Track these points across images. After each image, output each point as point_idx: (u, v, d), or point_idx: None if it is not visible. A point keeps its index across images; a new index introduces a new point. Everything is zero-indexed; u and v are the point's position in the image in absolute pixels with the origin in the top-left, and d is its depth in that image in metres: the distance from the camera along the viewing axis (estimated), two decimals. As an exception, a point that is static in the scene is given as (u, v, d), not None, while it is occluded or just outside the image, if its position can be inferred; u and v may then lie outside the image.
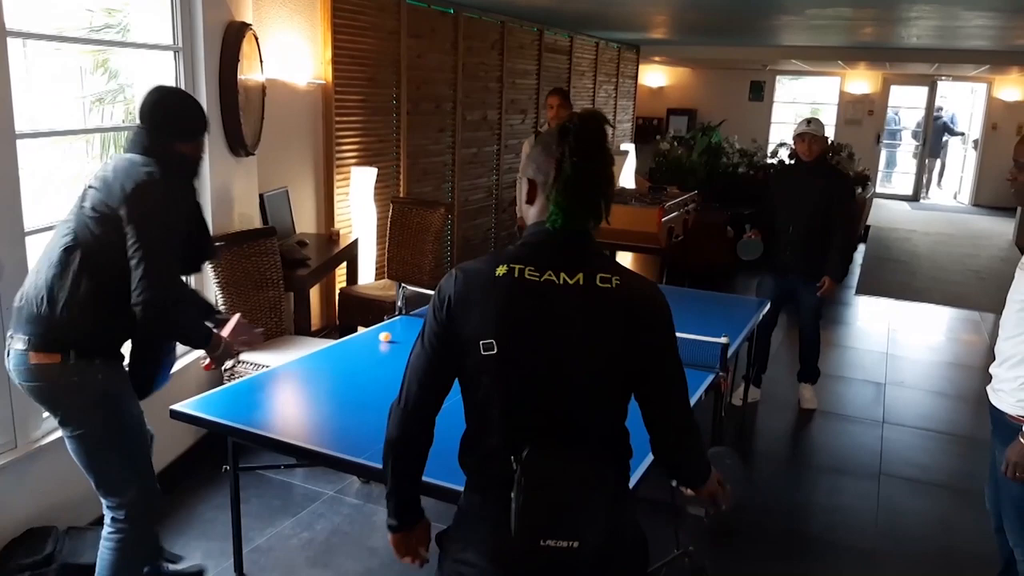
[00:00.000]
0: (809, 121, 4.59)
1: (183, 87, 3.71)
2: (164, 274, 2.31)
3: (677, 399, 1.64)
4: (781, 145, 11.21)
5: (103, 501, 2.47)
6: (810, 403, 4.96)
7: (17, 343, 2.31)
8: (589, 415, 1.55)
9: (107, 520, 2.49)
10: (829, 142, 4.50)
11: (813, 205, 4.51)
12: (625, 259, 8.77)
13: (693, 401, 2.84)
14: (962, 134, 15.14)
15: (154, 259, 2.26)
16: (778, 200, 4.72)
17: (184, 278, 2.67)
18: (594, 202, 1.54)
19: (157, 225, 2.30)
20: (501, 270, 1.53)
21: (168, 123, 2.45)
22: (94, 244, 2.30)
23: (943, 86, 14.45)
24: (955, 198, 15.01)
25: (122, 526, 2.46)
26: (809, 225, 4.53)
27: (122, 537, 2.46)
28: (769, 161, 10.57)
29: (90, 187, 2.37)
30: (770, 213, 4.75)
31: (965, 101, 15.25)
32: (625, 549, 1.64)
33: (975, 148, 14.39)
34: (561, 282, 1.51)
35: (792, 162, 4.82)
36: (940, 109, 14.89)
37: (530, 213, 1.61)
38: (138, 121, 2.47)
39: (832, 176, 4.74)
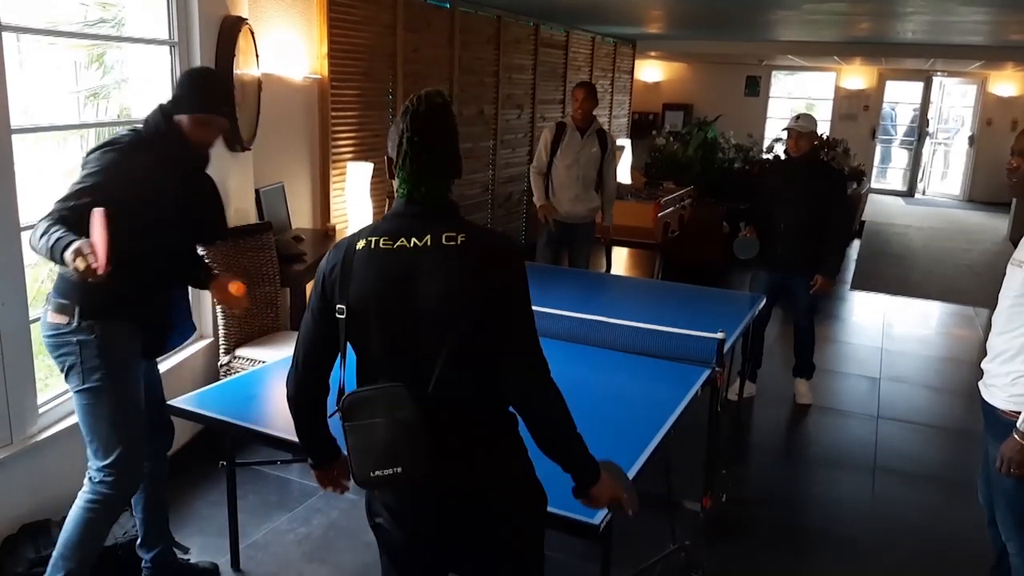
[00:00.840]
0: (798, 116, 4.61)
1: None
2: (56, 204, 2.31)
3: (522, 350, 1.68)
4: (777, 140, 11.23)
5: (90, 462, 2.55)
6: (805, 398, 4.97)
7: (48, 303, 2.51)
8: (423, 360, 1.66)
9: (86, 480, 2.56)
10: (820, 137, 4.50)
11: (804, 200, 4.52)
12: (621, 254, 8.78)
13: (688, 396, 2.85)
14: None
15: (62, 196, 2.32)
16: (770, 195, 4.73)
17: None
18: (434, 174, 1.68)
19: (83, 175, 2.37)
20: (360, 244, 1.70)
21: (177, 92, 2.54)
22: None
23: (943, 83, 14.47)
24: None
25: (99, 488, 2.52)
26: (801, 220, 4.54)
27: (96, 499, 2.52)
28: (765, 156, 10.58)
29: None
30: (763, 208, 4.76)
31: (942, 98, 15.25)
32: (482, 485, 1.73)
33: (970, 143, 14.42)
34: (411, 245, 1.66)
35: (784, 157, 4.80)
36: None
37: (394, 186, 1.75)
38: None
39: (823, 172, 4.75)
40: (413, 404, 1.62)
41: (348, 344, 1.72)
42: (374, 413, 1.65)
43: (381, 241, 1.68)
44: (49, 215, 2.28)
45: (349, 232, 5.19)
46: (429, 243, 1.65)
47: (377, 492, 1.78)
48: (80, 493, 2.56)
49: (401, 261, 1.66)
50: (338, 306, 1.69)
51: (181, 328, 2.78)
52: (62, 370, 2.53)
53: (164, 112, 2.52)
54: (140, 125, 2.54)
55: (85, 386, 2.48)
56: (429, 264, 1.64)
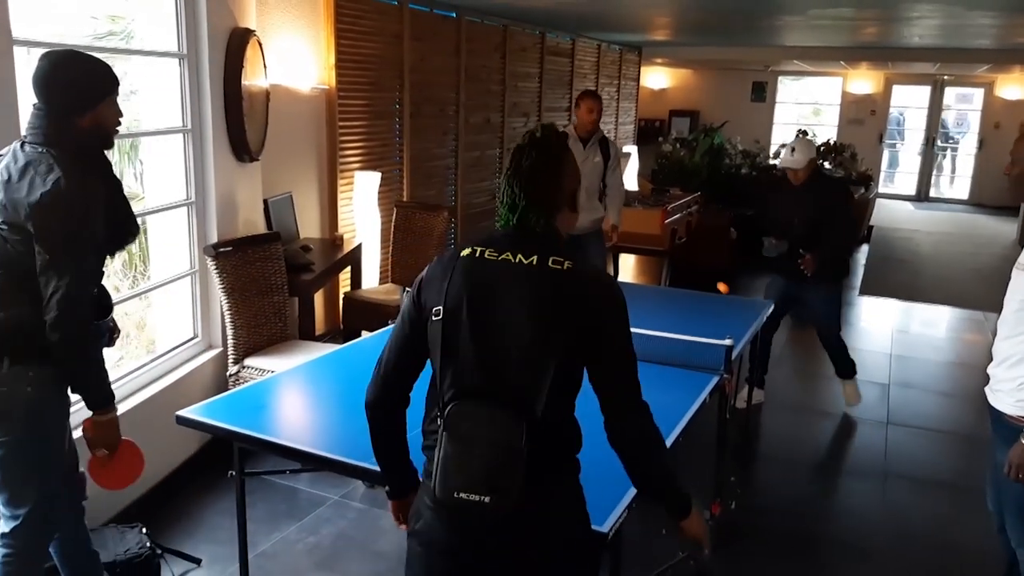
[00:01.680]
0: (792, 149, 4.60)
1: (187, 94, 3.72)
2: (79, 297, 2.16)
3: (624, 385, 1.68)
4: (783, 146, 11.22)
5: (3, 511, 2.36)
6: (852, 398, 4.96)
7: None
8: (524, 381, 1.63)
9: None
10: (827, 145, 4.54)
11: (811, 218, 4.55)
12: (628, 260, 8.78)
13: (697, 403, 2.84)
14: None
15: (70, 281, 2.13)
16: (776, 213, 4.77)
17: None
18: (528, 206, 1.70)
19: (70, 243, 2.15)
20: (466, 251, 1.72)
21: (59, 95, 2.19)
22: (13, 254, 2.19)
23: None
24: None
25: (10, 541, 2.35)
26: (810, 237, 4.56)
27: (9, 553, 2.35)
28: (772, 162, 10.57)
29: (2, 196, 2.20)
30: (768, 222, 4.80)
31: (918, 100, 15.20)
32: (552, 518, 1.70)
33: (978, 147, 14.37)
34: (516, 261, 1.67)
35: (784, 178, 4.80)
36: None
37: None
38: (34, 100, 2.22)
39: (825, 187, 4.74)
40: (521, 430, 1.59)
41: (445, 351, 1.69)
42: (479, 431, 1.62)
43: (487, 252, 1.70)
44: (77, 298, 2.14)
45: (357, 241, 5.24)
46: (535, 263, 1.66)
47: (430, 519, 1.72)
48: None
49: (503, 271, 1.67)
50: (435, 308, 1.69)
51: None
52: None
53: (65, 117, 2.20)
54: (40, 145, 2.18)
55: (6, 438, 2.26)
56: (533, 281, 1.66)
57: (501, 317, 1.65)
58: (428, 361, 1.74)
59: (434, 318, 1.69)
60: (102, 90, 2.25)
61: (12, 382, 2.24)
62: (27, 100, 2.36)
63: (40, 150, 2.17)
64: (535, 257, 1.67)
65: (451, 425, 1.63)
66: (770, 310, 4.42)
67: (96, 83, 2.25)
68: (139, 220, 2.54)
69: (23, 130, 2.26)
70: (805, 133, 11.21)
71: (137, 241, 2.49)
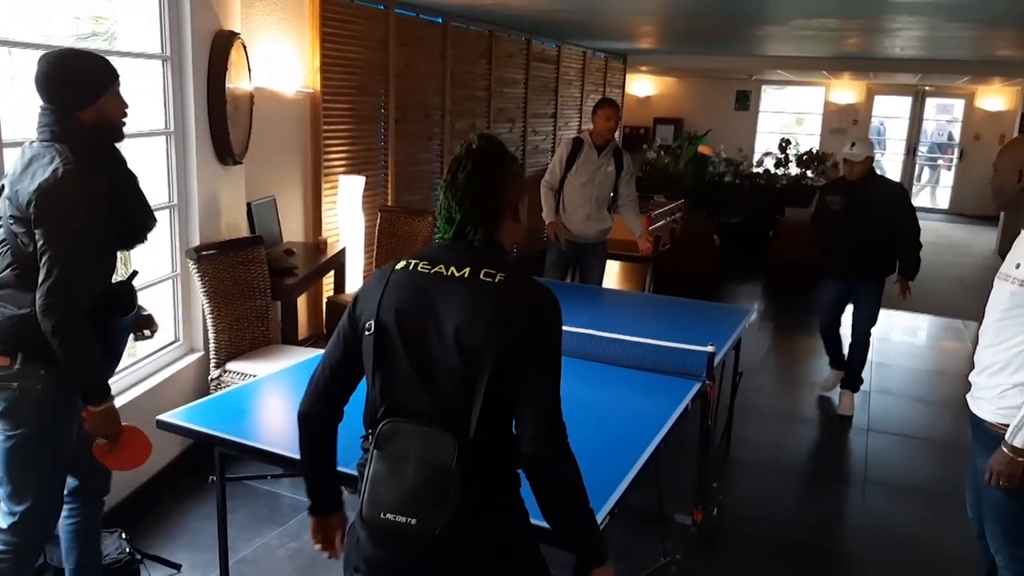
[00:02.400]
0: (853, 144, 4.81)
1: (171, 96, 3.70)
2: (72, 287, 2.17)
3: (541, 409, 1.61)
4: (767, 154, 11.30)
5: (4, 505, 2.40)
6: (847, 410, 5.05)
7: None
8: (458, 399, 1.60)
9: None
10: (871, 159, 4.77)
11: (869, 215, 4.71)
12: (612, 267, 8.80)
13: (679, 410, 2.85)
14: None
15: (63, 269, 2.15)
16: (835, 214, 4.89)
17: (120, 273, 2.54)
18: (464, 219, 1.67)
19: (66, 231, 2.17)
20: (400, 265, 1.70)
21: (60, 93, 2.24)
22: (23, 250, 2.22)
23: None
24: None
25: (8, 537, 2.38)
26: (866, 233, 4.72)
27: (7, 548, 2.38)
28: (755, 170, 10.65)
29: (2, 187, 2.27)
30: (832, 229, 4.94)
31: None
32: (487, 539, 1.65)
33: (959, 157, 14.53)
34: (448, 273, 1.65)
35: (843, 177, 4.94)
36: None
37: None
38: (39, 101, 2.27)
39: (884, 186, 4.93)
40: (453, 452, 1.55)
41: (377, 366, 1.66)
42: (408, 451, 1.58)
43: (420, 265, 1.68)
44: (78, 301, 2.17)
45: (340, 245, 5.22)
46: (467, 275, 1.63)
47: (364, 539, 1.68)
48: None
49: (436, 285, 1.64)
50: (367, 323, 1.66)
51: (114, 360, 2.56)
52: None
53: (68, 113, 2.24)
54: (48, 142, 2.23)
55: (17, 431, 2.31)
56: (464, 294, 1.62)
57: (432, 332, 1.62)
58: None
59: (366, 333, 1.66)
60: (100, 84, 2.28)
61: (24, 378, 2.27)
62: (10, 98, 2.35)
63: (46, 145, 2.22)
64: (468, 269, 1.64)
65: (381, 443, 1.60)
66: (754, 316, 4.53)
67: (93, 78, 2.28)
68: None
69: (4, 126, 2.26)
70: (788, 142, 11.34)
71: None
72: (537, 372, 1.63)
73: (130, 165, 2.44)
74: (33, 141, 2.27)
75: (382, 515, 1.57)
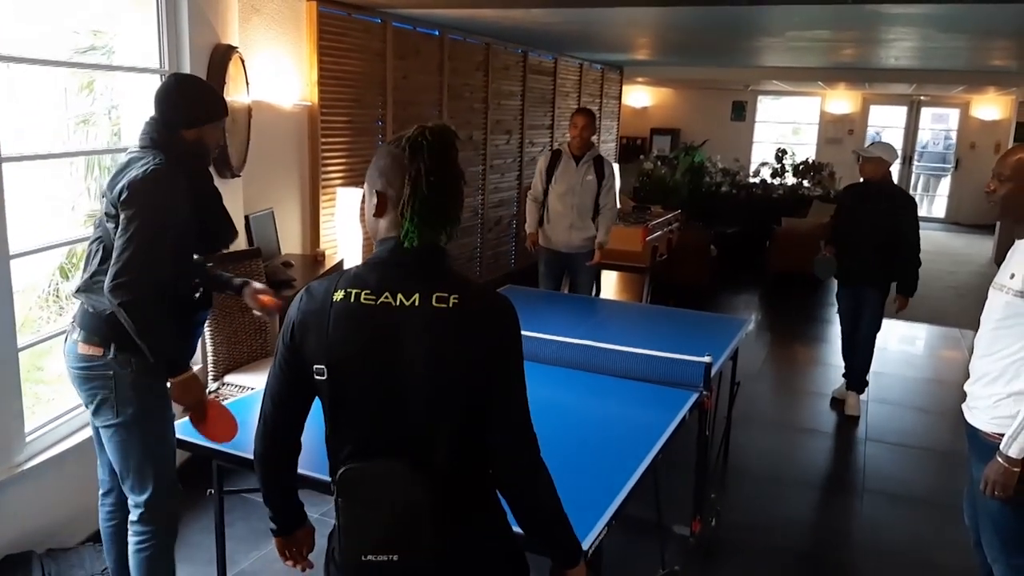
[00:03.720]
0: (872, 144, 4.93)
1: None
2: (144, 269, 2.29)
3: (510, 424, 1.57)
4: (763, 164, 11.35)
5: (130, 499, 2.56)
6: (853, 410, 5.19)
7: (74, 333, 2.50)
8: (423, 435, 1.54)
9: (131, 529, 2.58)
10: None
11: (878, 220, 4.82)
12: (610, 277, 8.81)
13: (677, 420, 2.86)
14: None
15: (136, 251, 2.28)
16: (848, 215, 5.03)
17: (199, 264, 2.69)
18: (448, 219, 1.56)
19: (147, 220, 2.30)
20: (338, 295, 1.53)
21: (173, 110, 2.47)
22: (109, 240, 2.38)
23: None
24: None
25: (140, 527, 2.55)
26: (874, 237, 4.84)
27: (143, 538, 2.56)
28: (752, 180, 10.68)
29: (103, 186, 2.46)
30: (841, 227, 5.08)
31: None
32: (471, 565, 1.61)
33: (954, 167, 14.59)
34: (397, 303, 1.51)
35: (861, 181, 5.01)
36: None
37: (380, 226, 1.59)
38: (152, 109, 2.51)
39: (896, 195, 4.98)
40: (422, 485, 1.50)
41: (335, 409, 1.58)
42: (376, 492, 1.53)
43: (363, 295, 1.52)
44: (150, 285, 2.29)
45: (338, 257, 5.24)
46: (417, 303, 1.50)
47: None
48: (131, 543, 2.59)
49: (385, 321, 1.51)
50: (316, 366, 1.54)
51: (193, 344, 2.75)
52: (90, 403, 2.50)
53: (174, 128, 2.47)
54: (148, 148, 2.43)
55: (118, 420, 2.47)
56: (417, 328, 1.50)
57: (392, 370, 1.52)
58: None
59: (318, 376, 1.55)
60: (212, 113, 2.54)
61: (118, 366, 2.44)
62: (8, 116, 2.38)
63: (146, 149, 2.43)
64: (416, 296, 1.50)
65: (347, 489, 1.54)
66: (750, 326, 4.54)
67: (208, 106, 2.54)
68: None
69: (1, 143, 2.33)
70: (785, 153, 11.38)
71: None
72: (507, 386, 1.56)
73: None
74: (134, 147, 2.48)
75: (363, 557, 1.53)
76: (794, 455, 4.73)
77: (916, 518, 4.04)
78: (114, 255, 2.30)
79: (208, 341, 3.85)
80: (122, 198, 2.32)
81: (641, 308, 6.38)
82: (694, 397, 3.09)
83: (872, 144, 4.97)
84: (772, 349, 5.73)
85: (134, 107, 3.76)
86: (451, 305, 1.50)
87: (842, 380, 5.41)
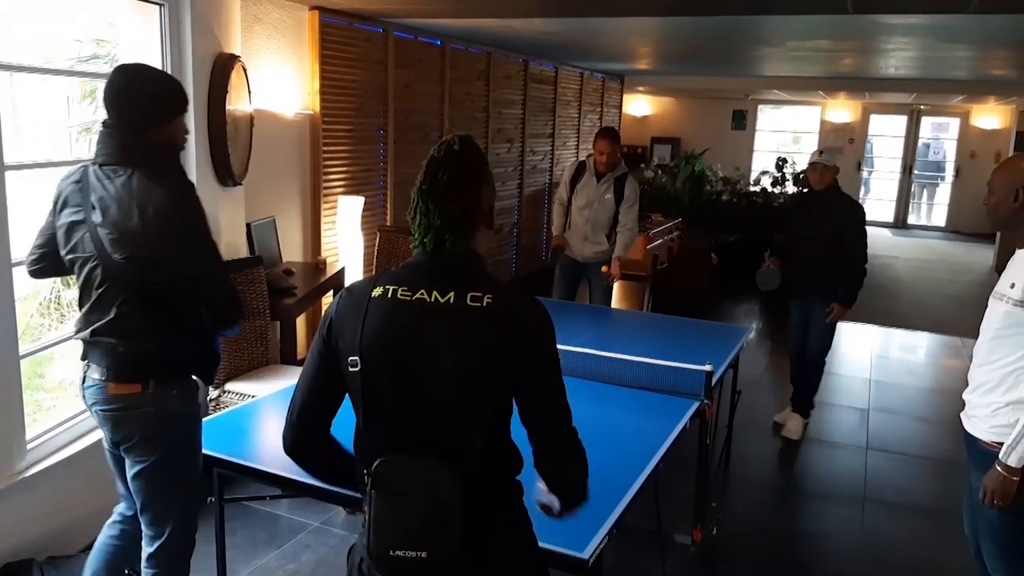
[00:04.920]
0: (821, 151, 4.75)
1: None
2: (227, 283, 2.29)
3: (552, 416, 1.62)
4: (764, 173, 11.36)
5: (144, 530, 2.45)
6: (793, 434, 4.92)
7: (95, 373, 2.31)
8: (456, 432, 1.56)
9: (146, 562, 2.46)
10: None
11: (823, 231, 4.61)
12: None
13: (677, 429, 2.86)
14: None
15: (216, 278, 2.25)
16: (794, 226, 4.85)
17: None
18: (451, 225, 1.58)
19: (197, 245, 2.22)
20: (377, 291, 1.59)
21: (136, 109, 2.20)
22: (139, 284, 2.21)
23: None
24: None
25: (156, 562, 2.44)
26: (819, 250, 4.62)
27: (156, 573, 2.45)
28: (752, 189, 10.69)
29: (93, 223, 2.18)
30: (787, 237, 4.88)
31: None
32: (497, 563, 1.63)
33: (955, 176, 14.61)
34: (432, 300, 1.56)
35: (807, 190, 4.88)
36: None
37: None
38: (105, 114, 2.21)
39: (842, 204, 4.73)
40: (455, 484, 1.52)
41: (367, 402, 1.60)
42: (409, 487, 1.54)
43: (400, 291, 1.57)
44: (237, 301, 2.33)
45: (339, 265, 5.24)
46: (452, 300, 1.55)
47: (373, 572, 1.63)
48: (143, 569, 2.48)
49: (419, 315, 1.56)
50: (351, 358, 1.57)
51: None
52: (126, 442, 2.34)
53: (142, 131, 2.21)
54: (125, 169, 2.18)
55: (154, 457, 2.33)
56: (450, 324, 1.54)
57: (424, 365, 1.55)
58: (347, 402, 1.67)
59: (351, 369, 1.57)
60: (177, 105, 2.29)
61: (159, 402, 2.31)
62: (10, 124, 2.36)
63: (126, 172, 2.17)
64: (452, 294, 1.55)
65: (380, 481, 1.55)
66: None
67: (172, 97, 2.28)
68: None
69: (4, 151, 2.25)
70: (785, 161, 11.40)
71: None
72: (545, 388, 1.61)
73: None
74: (99, 165, 2.20)
75: (392, 552, 1.53)
76: (795, 464, 4.72)
77: (917, 527, 4.03)
78: (197, 289, 2.21)
79: (209, 349, 3.85)
80: (152, 237, 2.12)
81: (642, 316, 6.38)
82: (695, 405, 3.09)
83: (822, 153, 4.73)
84: (773, 358, 5.72)
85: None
86: (485, 304, 1.55)
87: (788, 404, 5.09)
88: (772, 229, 5.20)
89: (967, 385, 2.54)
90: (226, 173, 4.00)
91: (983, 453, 2.39)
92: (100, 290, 2.24)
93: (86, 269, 2.24)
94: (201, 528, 3.50)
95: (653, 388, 3.26)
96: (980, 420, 2.43)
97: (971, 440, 2.48)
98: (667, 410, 3.05)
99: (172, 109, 2.27)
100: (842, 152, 4.77)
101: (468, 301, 1.55)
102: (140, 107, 2.20)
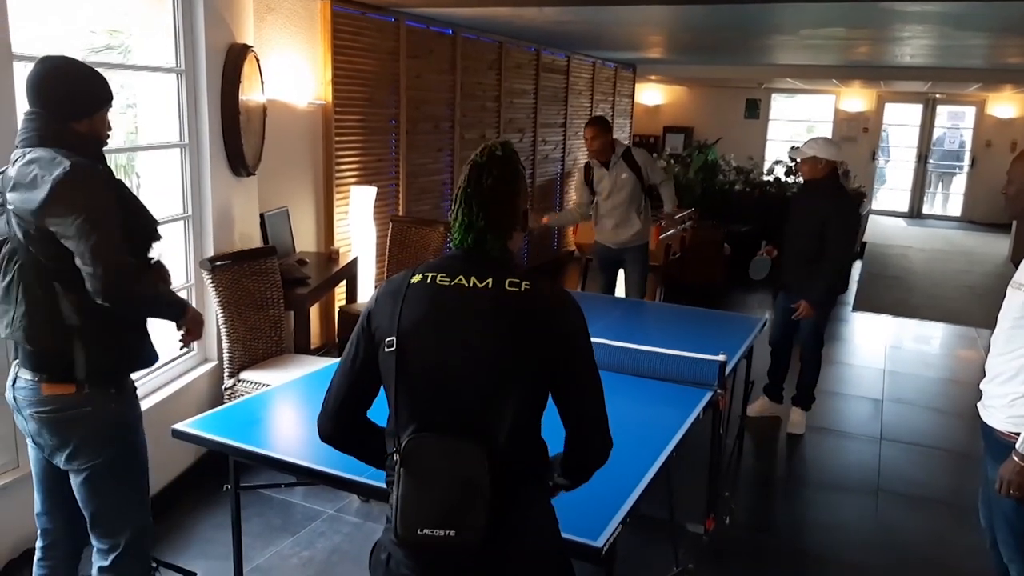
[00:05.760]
0: (809, 141, 4.61)
1: (185, 108, 3.75)
2: (112, 255, 2.06)
3: (593, 415, 1.68)
4: (777, 163, 11.30)
5: (95, 544, 2.34)
6: (797, 428, 4.88)
7: (25, 374, 2.21)
8: (485, 411, 1.59)
9: (96, 569, 2.36)
10: (833, 161, 4.34)
11: (805, 226, 4.50)
12: (622, 275, 8.79)
13: (691, 419, 2.86)
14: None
15: (100, 248, 2.04)
16: (787, 220, 4.78)
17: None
18: (491, 226, 1.65)
19: (98, 213, 2.07)
20: (416, 278, 1.65)
21: (57, 100, 2.15)
22: (53, 270, 2.12)
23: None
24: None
25: (112, 575, 2.34)
26: (804, 246, 4.51)
27: None
28: (765, 179, 10.63)
29: (7, 204, 2.12)
30: (784, 233, 4.80)
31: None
32: (522, 547, 1.65)
33: (970, 165, 14.49)
34: (471, 285, 1.61)
35: (802, 181, 4.82)
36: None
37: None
38: (27, 104, 2.17)
39: (829, 197, 4.52)
40: (483, 462, 1.54)
41: (400, 382, 1.62)
42: (437, 465, 1.56)
43: (439, 277, 1.63)
44: (128, 265, 2.11)
45: (352, 255, 5.25)
46: (491, 285, 1.60)
47: (401, 558, 1.65)
48: None
49: (458, 297, 1.60)
50: (387, 339, 1.61)
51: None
52: (61, 449, 2.23)
53: (63, 122, 2.15)
54: (49, 149, 2.11)
55: (97, 462, 2.23)
56: (490, 306, 1.59)
57: (459, 346, 1.59)
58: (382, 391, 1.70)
59: (387, 349, 1.61)
60: (100, 99, 2.23)
61: (97, 403, 2.22)
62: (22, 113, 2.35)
63: (40, 150, 2.10)
64: (490, 280, 1.61)
65: (409, 460, 1.57)
66: (771, 326, 4.47)
67: (95, 92, 2.23)
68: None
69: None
70: (794, 155, 11.31)
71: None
72: (584, 377, 1.65)
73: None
74: (17, 151, 2.15)
75: (419, 531, 1.55)
76: (808, 453, 4.71)
77: (932, 519, 4.02)
78: (82, 262, 2.04)
79: (224, 338, 3.88)
80: (47, 207, 2.02)
81: (654, 306, 6.37)
82: (708, 396, 3.09)
83: (807, 142, 4.57)
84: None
85: (151, 106, 3.80)
86: (523, 289, 1.60)
87: (761, 395, 5.02)
88: (751, 219, 5.15)
89: (983, 375, 2.53)
90: (239, 164, 4.01)
91: (1000, 443, 2.38)
92: (9, 277, 2.14)
93: (3, 252, 2.17)
94: (217, 516, 3.55)
95: (666, 378, 3.25)
96: (997, 410, 2.42)
97: (988, 430, 2.47)
98: (680, 400, 3.05)
99: (95, 103, 2.21)
100: (838, 146, 4.62)
101: (507, 286, 1.60)
102: (62, 99, 2.16)
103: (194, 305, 3.95)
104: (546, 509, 1.74)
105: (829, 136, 5.00)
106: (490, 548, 1.58)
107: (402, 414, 1.63)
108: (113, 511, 2.31)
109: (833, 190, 4.55)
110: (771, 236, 5.25)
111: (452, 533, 1.54)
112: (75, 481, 2.27)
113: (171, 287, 2.56)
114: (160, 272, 2.48)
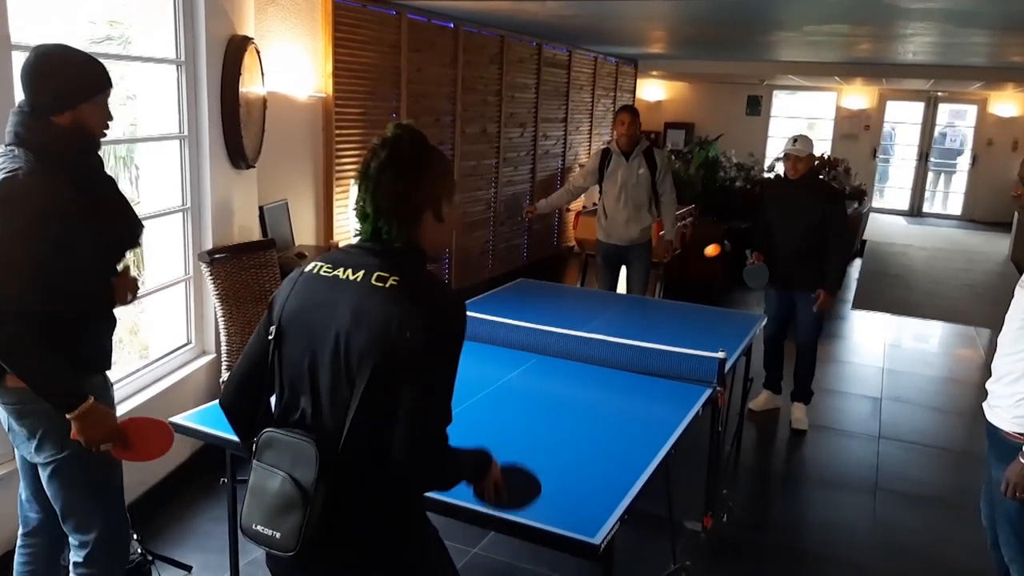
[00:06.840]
0: (795, 140, 4.64)
1: (185, 100, 3.73)
2: (15, 297, 1.94)
3: (417, 415, 1.51)
4: (778, 159, 11.28)
5: (70, 538, 2.32)
6: (801, 424, 4.90)
7: None
8: (334, 411, 1.55)
9: (72, 564, 2.33)
10: (821, 157, 4.47)
11: (804, 220, 4.56)
12: (622, 272, 8.77)
13: (690, 416, 2.85)
14: None
15: (4, 278, 1.94)
16: (772, 216, 4.77)
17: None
18: (376, 214, 1.58)
19: (10, 237, 1.95)
20: (309, 267, 1.67)
21: (36, 93, 2.05)
22: None
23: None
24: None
25: (86, 570, 2.30)
26: (802, 240, 4.57)
27: None
28: (766, 175, 10.62)
29: None
30: (764, 228, 4.80)
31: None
32: (340, 558, 1.59)
33: (971, 163, 14.47)
34: (344, 278, 1.58)
35: (784, 177, 4.85)
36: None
37: None
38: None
39: (821, 191, 4.71)
40: (317, 467, 1.50)
41: (274, 372, 1.64)
42: (279, 462, 1.55)
43: (323, 268, 1.63)
44: (19, 316, 1.94)
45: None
46: (360, 279, 1.56)
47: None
48: None
49: (332, 289, 1.58)
50: (270, 327, 1.64)
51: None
52: (30, 439, 2.19)
53: (41, 116, 2.06)
54: (12, 146, 2.04)
55: (63, 455, 2.18)
56: (349, 300, 1.54)
57: (322, 339, 1.55)
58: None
59: (269, 338, 1.63)
60: (89, 89, 2.10)
61: None
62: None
63: (9, 150, 2.04)
64: (361, 273, 1.56)
65: (260, 453, 1.58)
66: (767, 323, 4.47)
67: (82, 81, 2.09)
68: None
69: None
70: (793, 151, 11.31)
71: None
72: (418, 382, 1.50)
73: (107, 170, 2.27)
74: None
75: (253, 526, 1.56)
76: (807, 451, 4.71)
77: (931, 518, 4.02)
78: None
79: (222, 331, 3.87)
80: None
81: (653, 303, 6.35)
82: (707, 393, 3.08)
83: (796, 141, 4.61)
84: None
85: (150, 97, 3.78)
86: (388, 285, 1.54)
87: (762, 390, 5.06)
88: (752, 215, 5.15)
89: (982, 375, 2.53)
90: (239, 156, 4.00)
91: (1005, 444, 2.37)
92: None
93: None
94: (214, 509, 3.54)
95: (665, 375, 3.25)
96: (1003, 410, 2.41)
97: (993, 430, 2.46)
98: (679, 397, 3.04)
99: (80, 93, 2.08)
100: (811, 144, 4.70)
101: (372, 280, 1.55)
102: (44, 89, 2.06)
103: (192, 297, 3.94)
104: (388, 523, 1.60)
105: (806, 133, 5.01)
106: (313, 557, 1.53)
107: (277, 404, 1.66)
108: (82, 506, 2.27)
109: (823, 183, 4.72)
110: (744, 236, 5.29)
111: (277, 535, 1.53)
112: (43, 474, 2.25)
113: (137, 299, 2.46)
114: (125, 281, 2.37)
